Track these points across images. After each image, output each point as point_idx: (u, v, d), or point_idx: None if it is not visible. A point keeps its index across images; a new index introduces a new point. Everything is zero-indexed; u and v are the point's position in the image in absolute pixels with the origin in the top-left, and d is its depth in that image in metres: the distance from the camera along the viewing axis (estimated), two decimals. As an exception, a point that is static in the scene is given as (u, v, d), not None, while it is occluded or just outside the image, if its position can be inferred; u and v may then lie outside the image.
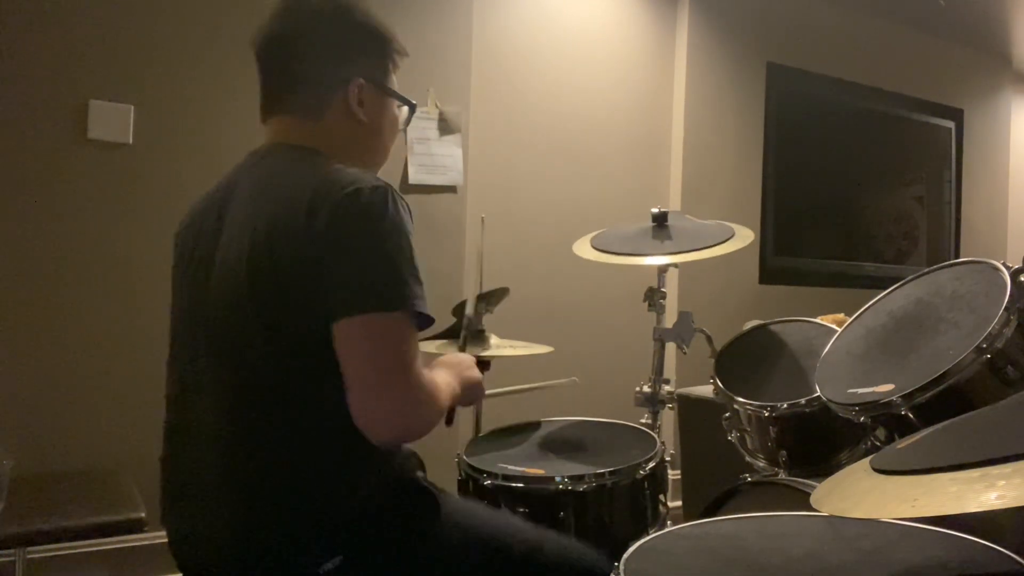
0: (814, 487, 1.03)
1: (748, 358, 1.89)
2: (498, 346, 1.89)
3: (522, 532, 1.27)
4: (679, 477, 2.83)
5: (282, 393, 1.10)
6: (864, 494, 0.79)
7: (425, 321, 1.12)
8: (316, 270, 1.07)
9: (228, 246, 1.15)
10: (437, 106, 2.92)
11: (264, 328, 1.09)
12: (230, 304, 1.12)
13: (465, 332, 1.73)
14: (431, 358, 1.33)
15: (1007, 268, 1.27)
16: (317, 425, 1.11)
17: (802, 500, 1.40)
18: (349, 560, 1.10)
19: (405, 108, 1.35)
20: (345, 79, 1.24)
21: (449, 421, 1.34)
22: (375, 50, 1.29)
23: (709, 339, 1.93)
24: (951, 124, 4.84)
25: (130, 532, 1.78)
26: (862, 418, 1.33)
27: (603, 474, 1.45)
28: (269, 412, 1.10)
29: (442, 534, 1.19)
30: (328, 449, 1.11)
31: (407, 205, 1.14)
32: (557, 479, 1.43)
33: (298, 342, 1.09)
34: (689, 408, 2.70)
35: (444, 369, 1.32)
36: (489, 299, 1.89)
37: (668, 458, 1.62)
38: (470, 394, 1.36)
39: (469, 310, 1.76)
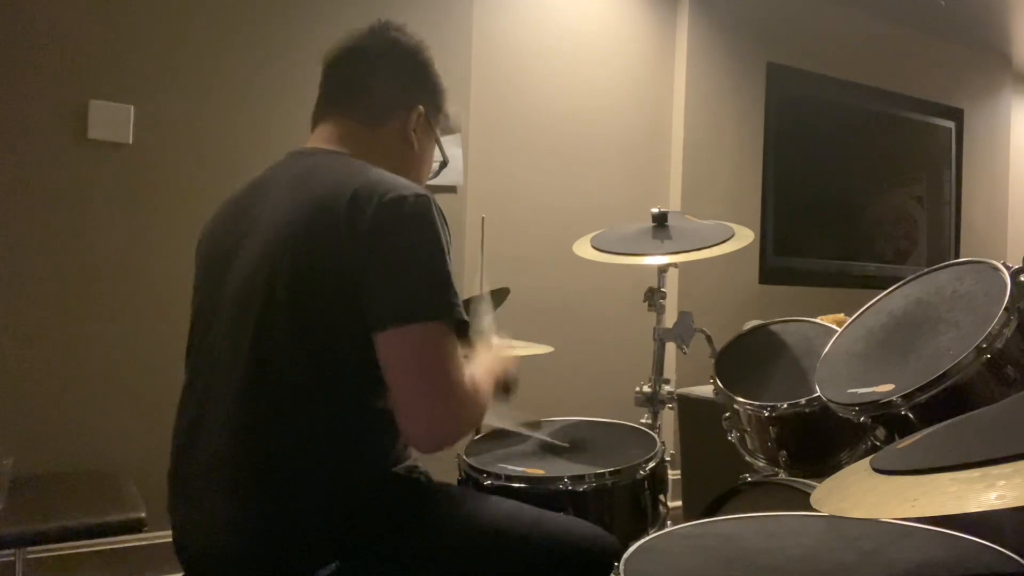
0: (814, 487, 1.03)
1: (748, 358, 1.89)
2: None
3: (520, 514, 1.26)
4: (679, 477, 2.83)
5: (296, 389, 1.09)
6: (864, 494, 0.79)
7: (463, 328, 1.13)
8: (354, 274, 1.07)
9: (257, 236, 1.14)
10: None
11: (289, 323, 1.08)
12: (253, 295, 1.11)
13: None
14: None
15: (1007, 268, 1.27)
16: (325, 424, 1.10)
17: (802, 500, 1.40)
18: (344, 566, 1.10)
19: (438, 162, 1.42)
20: (410, 103, 1.31)
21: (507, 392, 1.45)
22: (436, 95, 1.37)
23: (709, 339, 1.92)
24: (951, 124, 4.84)
25: (130, 532, 1.77)
26: (862, 418, 1.32)
27: (603, 474, 1.44)
28: (279, 406, 1.10)
29: (439, 531, 1.18)
30: (333, 450, 1.11)
31: (443, 213, 1.15)
32: (557, 479, 1.43)
33: (322, 341, 1.09)
34: (689, 408, 2.70)
35: (484, 357, 1.35)
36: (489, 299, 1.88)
37: (668, 458, 1.62)
38: (511, 374, 1.44)
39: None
